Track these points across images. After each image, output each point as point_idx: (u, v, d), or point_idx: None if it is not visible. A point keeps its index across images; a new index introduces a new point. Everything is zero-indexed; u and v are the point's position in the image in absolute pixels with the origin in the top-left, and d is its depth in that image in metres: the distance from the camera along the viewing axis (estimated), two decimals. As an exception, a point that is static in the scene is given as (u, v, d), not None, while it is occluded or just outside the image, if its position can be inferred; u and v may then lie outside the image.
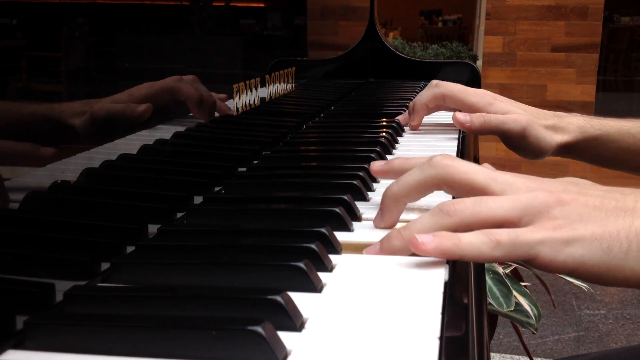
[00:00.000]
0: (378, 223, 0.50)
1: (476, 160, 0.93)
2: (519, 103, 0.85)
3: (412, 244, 0.41)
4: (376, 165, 0.57)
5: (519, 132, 0.80)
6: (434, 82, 0.89)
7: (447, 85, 0.87)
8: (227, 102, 0.80)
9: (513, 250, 0.41)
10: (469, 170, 0.46)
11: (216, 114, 0.78)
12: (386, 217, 0.49)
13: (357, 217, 0.53)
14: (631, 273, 0.40)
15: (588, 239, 0.41)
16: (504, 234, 0.41)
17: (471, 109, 0.84)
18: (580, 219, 0.41)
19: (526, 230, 0.41)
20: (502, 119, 0.81)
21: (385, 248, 0.44)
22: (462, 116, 0.82)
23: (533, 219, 0.42)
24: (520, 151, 0.83)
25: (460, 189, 0.47)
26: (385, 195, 0.49)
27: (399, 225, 0.49)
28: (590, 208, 0.42)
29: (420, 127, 0.92)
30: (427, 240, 0.41)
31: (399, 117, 0.96)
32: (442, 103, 0.87)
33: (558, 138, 0.82)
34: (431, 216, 0.44)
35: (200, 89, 0.72)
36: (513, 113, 0.82)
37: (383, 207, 0.49)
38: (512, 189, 0.45)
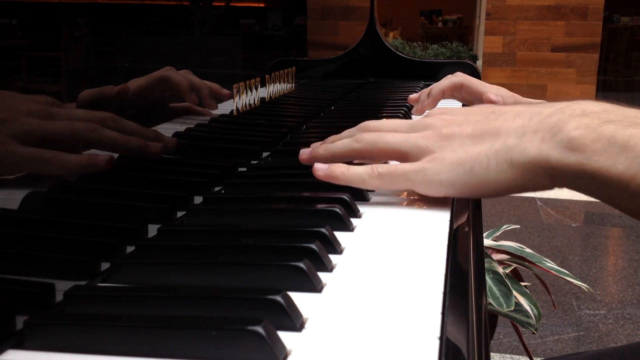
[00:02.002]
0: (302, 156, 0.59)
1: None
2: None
3: (313, 169, 0.54)
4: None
5: None
6: (455, 73, 0.93)
7: (467, 77, 0.89)
8: (227, 102, 0.80)
9: (391, 180, 0.51)
10: (381, 134, 0.54)
11: (216, 111, 0.78)
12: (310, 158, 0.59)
13: (357, 217, 0.53)
14: (494, 184, 0.48)
15: (454, 164, 0.49)
16: (384, 168, 0.51)
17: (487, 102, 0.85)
18: (452, 150, 0.49)
19: (404, 165, 0.51)
20: None
21: (312, 154, 0.58)
22: (494, 97, 0.83)
23: (419, 155, 0.51)
24: None
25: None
26: (318, 149, 0.58)
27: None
28: (464, 137, 0.50)
29: None
30: (321, 170, 0.53)
31: (411, 96, 0.98)
32: (459, 92, 0.89)
33: None
34: (348, 139, 0.56)
35: (191, 77, 0.73)
36: None
37: (313, 154, 0.58)
38: (415, 127, 0.54)
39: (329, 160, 0.56)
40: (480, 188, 0.48)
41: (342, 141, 0.56)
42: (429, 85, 1.33)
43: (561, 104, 0.48)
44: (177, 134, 0.71)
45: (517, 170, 0.47)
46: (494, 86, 0.88)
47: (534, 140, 0.46)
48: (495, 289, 1.38)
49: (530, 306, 1.43)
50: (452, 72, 1.41)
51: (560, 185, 0.46)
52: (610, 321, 2.29)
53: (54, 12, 0.52)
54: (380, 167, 0.52)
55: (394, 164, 0.52)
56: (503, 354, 2.05)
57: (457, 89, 0.90)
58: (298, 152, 0.60)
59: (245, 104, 0.81)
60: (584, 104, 0.47)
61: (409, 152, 0.52)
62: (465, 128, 0.50)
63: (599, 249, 2.99)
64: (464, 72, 1.39)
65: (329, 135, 0.78)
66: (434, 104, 0.93)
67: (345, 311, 0.36)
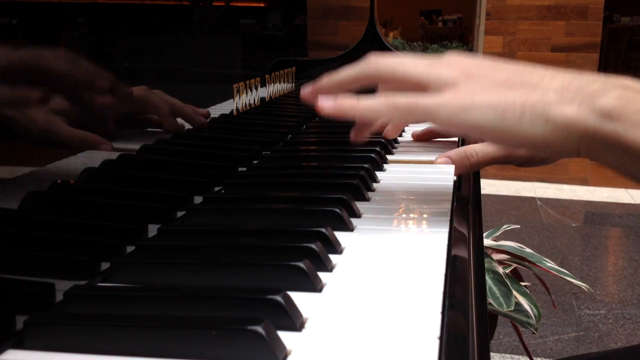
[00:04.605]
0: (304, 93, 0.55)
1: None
2: None
3: (316, 105, 0.49)
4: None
5: (503, 157, 0.70)
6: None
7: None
8: (227, 102, 0.80)
9: (411, 114, 0.47)
10: (400, 60, 0.50)
11: (216, 111, 0.78)
12: (314, 92, 0.54)
13: (357, 217, 0.53)
14: (523, 136, 0.45)
15: (484, 106, 0.45)
16: (402, 98, 0.46)
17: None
18: (482, 90, 0.46)
19: (426, 96, 0.46)
20: (486, 151, 0.68)
21: (315, 87, 0.53)
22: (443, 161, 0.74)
23: (441, 88, 0.47)
24: (528, 164, 0.74)
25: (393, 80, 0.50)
26: (321, 80, 0.54)
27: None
28: (494, 82, 0.46)
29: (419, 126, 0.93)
30: (327, 104, 0.48)
31: None
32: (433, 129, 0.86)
33: None
34: (359, 64, 0.50)
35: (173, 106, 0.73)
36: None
37: (317, 86, 0.54)
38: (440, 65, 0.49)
39: (334, 90, 0.52)
40: (506, 137, 0.46)
41: (351, 68, 0.51)
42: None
43: (601, 76, 0.47)
44: (177, 134, 0.71)
45: (550, 128, 0.44)
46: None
47: (573, 101, 0.44)
48: (495, 289, 1.38)
49: (530, 306, 1.43)
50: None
51: (586, 155, 0.45)
52: (610, 321, 2.29)
53: (54, 12, 0.52)
54: (398, 98, 0.47)
55: (412, 94, 0.47)
56: (503, 354, 2.05)
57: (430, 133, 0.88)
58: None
59: (245, 103, 0.81)
60: (625, 80, 0.46)
61: (431, 83, 0.47)
62: (496, 73, 0.47)
63: (599, 249, 2.99)
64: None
65: (329, 135, 0.79)
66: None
67: (345, 311, 0.36)
